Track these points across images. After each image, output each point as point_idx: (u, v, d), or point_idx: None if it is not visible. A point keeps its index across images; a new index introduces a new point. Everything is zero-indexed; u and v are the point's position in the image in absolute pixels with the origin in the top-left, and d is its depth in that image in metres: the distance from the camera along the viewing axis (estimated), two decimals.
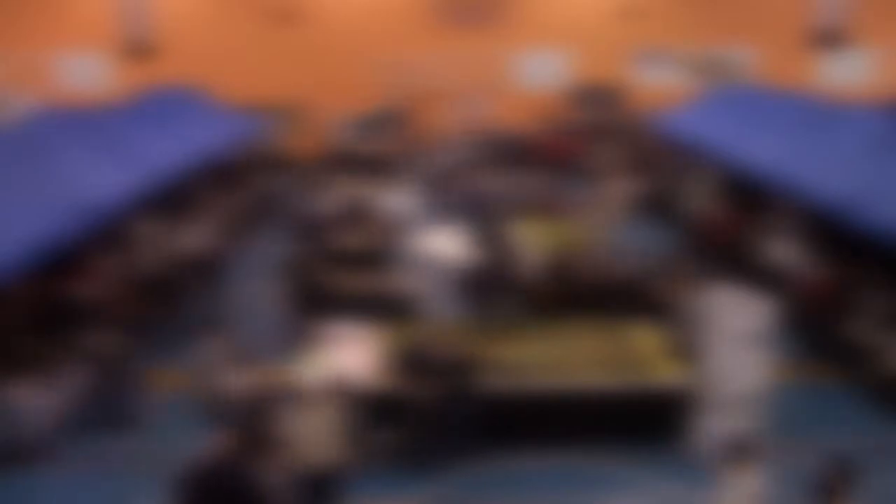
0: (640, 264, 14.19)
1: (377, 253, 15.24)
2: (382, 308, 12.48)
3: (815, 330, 13.33)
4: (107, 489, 9.72)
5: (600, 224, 17.01)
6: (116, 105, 20.86)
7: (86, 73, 28.33)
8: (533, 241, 14.91)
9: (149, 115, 18.90)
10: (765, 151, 16.53)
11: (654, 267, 13.85)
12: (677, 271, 13.30)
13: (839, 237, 13.64)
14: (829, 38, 28.54)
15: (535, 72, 29.18)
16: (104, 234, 13.74)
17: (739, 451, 7.74)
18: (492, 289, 12.97)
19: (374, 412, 9.75)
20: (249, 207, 21.02)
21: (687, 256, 16.12)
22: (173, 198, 17.08)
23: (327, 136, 28.00)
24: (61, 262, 12.70)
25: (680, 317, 11.64)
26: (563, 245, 14.72)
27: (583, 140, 27.23)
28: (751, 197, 17.25)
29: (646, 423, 10.23)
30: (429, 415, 9.81)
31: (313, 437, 8.42)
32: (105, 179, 13.94)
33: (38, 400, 10.42)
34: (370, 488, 9.48)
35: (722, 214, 17.84)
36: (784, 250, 14.88)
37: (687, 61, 29.15)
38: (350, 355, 10.57)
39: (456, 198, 20.77)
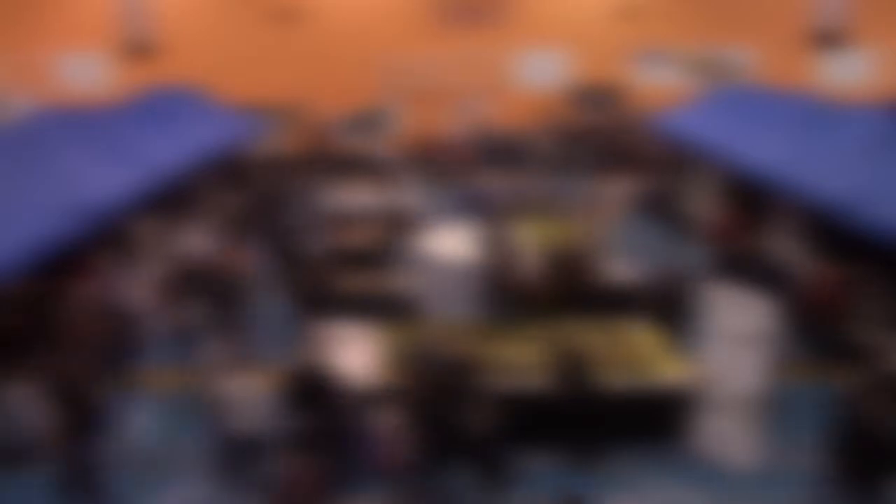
0: (641, 265, 14.19)
1: (378, 253, 15.24)
2: (384, 307, 12.48)
3: (815, 330, 13.32)
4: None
5: (600, 224, 17.01)
6: (116, 105, 20.86)
7: (86, 73, 28.32)
8: (533, 241, 14.91)
9: (149, 115, 18.92)
10: (765, 151, 16.52)
11: (655, 267, 13.85)
12: (678, 271, 13.31)
13: (839, 237, 13.64)
14: (828, 38, 28.53)
15: (535, 72, 29.17)
16: (104, 234, 13.75)
17: None
18: (493, 289, 12.97)
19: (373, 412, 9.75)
20: (250, 207, 21.00)
21: (687, 256, 16.12)
22: (173, 198, 17.09)
23: (327, 136, 28.01)
24: (61, 262, 12.70)
25: (680, 317, 11.66)
26: (563, 245, 14.71)
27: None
28: (751, 197, 17.24)
29: (646, 422, 10.22)
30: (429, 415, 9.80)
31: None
32: (105, 179, 13.94)
33: (36, 400, 10.41)
34: (370, 488, 9.48)
35: (722, 214, 17.83)
36: (784, 250, 14.88)
37: (687, 61, 29.14)
38: (351, 355, 10.57)
39: (456, 198, 20.80)
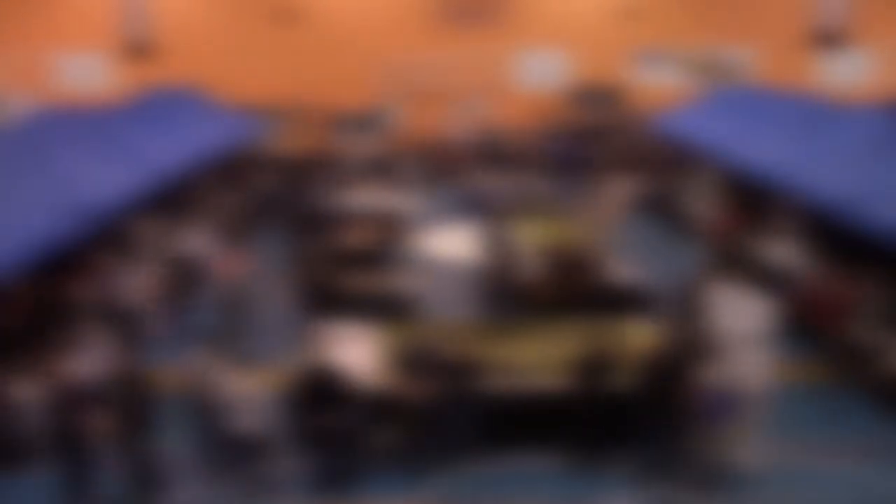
0: (642, 265, 14.19)
1: (378, 253, 15.24)
2: (384, 307, 12.47)
3: (815, 330, 13.33)
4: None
5: (601, 224, 17.01)
6: (116, 105, 20.89)
7: (86, 73, 28.32)
8: (533, 241, 14.91)
9: (149, 115, 18.93)
10: (765, 151, 16.53)
11: (656, 268, 13.84)
12: (679, 272, 13.30)
13: (839, 237, 13.64)
14: (829, 38, 28.53)
15: (535, 72, 29.17)
16: (104, 234, 13.75)
17: None
18: (493, 289, 12.98)
19: (374, 412, 9.76)
20: (250, 207, 21.02)
21: (687, 256, 16.12)
22: (173, 198, 17.09)
23: (327, 136, 28.00)
24: (61, 262, 12.70)
25: (680, 317, 11.64)
26: (564, 245, 14.71)
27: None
28: (751, 197, 17.25)
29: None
30: (429, 415, 9.81)
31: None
32: (105, 179, 13.95)
33: (37, 399, 10.41)
34: (370, 488, 9.48)
35: (722, 215, 17.84)
36: (784, 251, 14.87)
37: (687, 61, 29.14)
38: (351, 355, 10.55)
39: (456, 198, 20.81)
